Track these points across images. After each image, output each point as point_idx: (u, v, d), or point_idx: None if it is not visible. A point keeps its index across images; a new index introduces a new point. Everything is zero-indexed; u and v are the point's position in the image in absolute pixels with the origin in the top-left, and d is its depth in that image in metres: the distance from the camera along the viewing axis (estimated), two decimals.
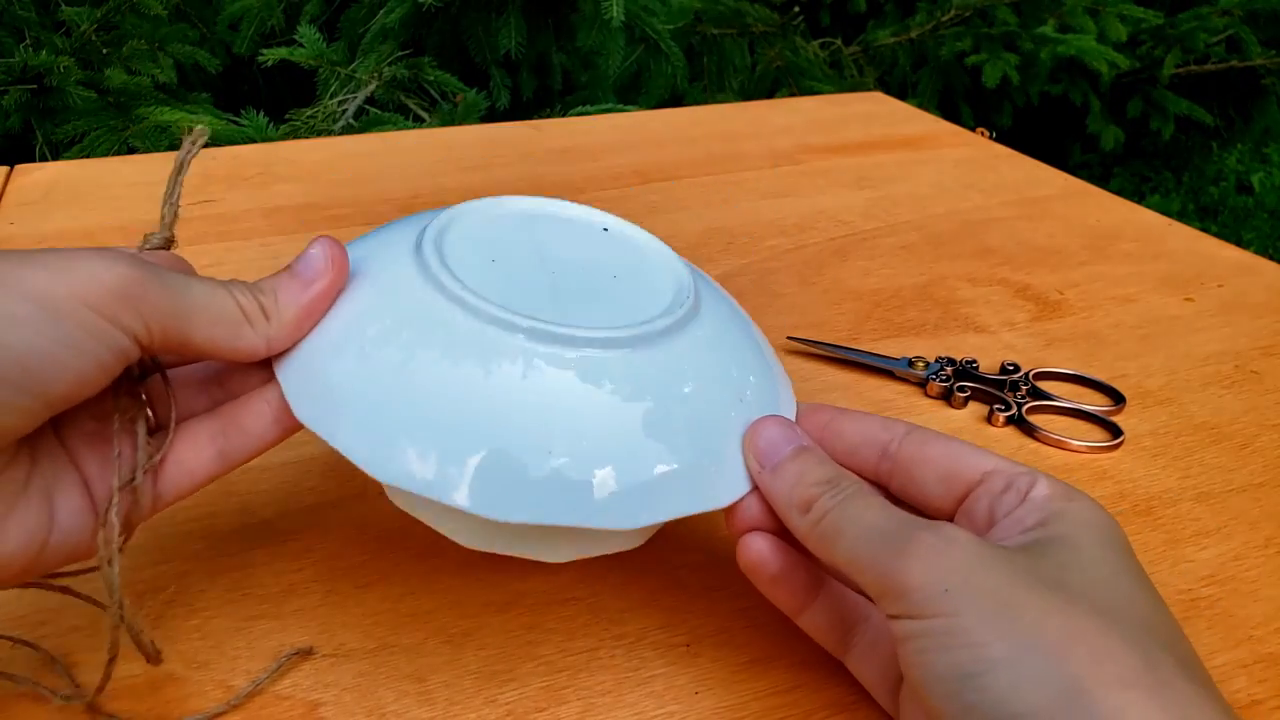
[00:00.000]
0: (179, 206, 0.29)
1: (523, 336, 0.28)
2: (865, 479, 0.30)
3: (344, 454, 0.26)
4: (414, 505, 0.30)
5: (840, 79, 1.87)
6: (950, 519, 0.28)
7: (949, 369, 0.46)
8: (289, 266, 0.29)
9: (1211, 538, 0.37)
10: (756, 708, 0.30)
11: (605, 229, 0.35)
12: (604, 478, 0.27)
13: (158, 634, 0.31)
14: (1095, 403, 0.45)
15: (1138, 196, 2.21)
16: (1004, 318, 0.53)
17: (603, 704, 0.30)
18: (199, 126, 0.30)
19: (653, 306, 0.30)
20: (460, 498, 0.26)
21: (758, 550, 0.28)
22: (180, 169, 0.29)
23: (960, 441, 0.29)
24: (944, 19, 1.94)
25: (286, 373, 0.28)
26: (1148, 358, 0.49)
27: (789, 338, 0.49)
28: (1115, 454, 0.42)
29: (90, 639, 0.30)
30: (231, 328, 0.27)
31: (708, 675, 0.31)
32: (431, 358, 0.27)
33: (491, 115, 1.28)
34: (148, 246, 0.29)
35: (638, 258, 0.34)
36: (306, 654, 0.31)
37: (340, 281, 0.29)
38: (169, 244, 0.29)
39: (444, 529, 0.30)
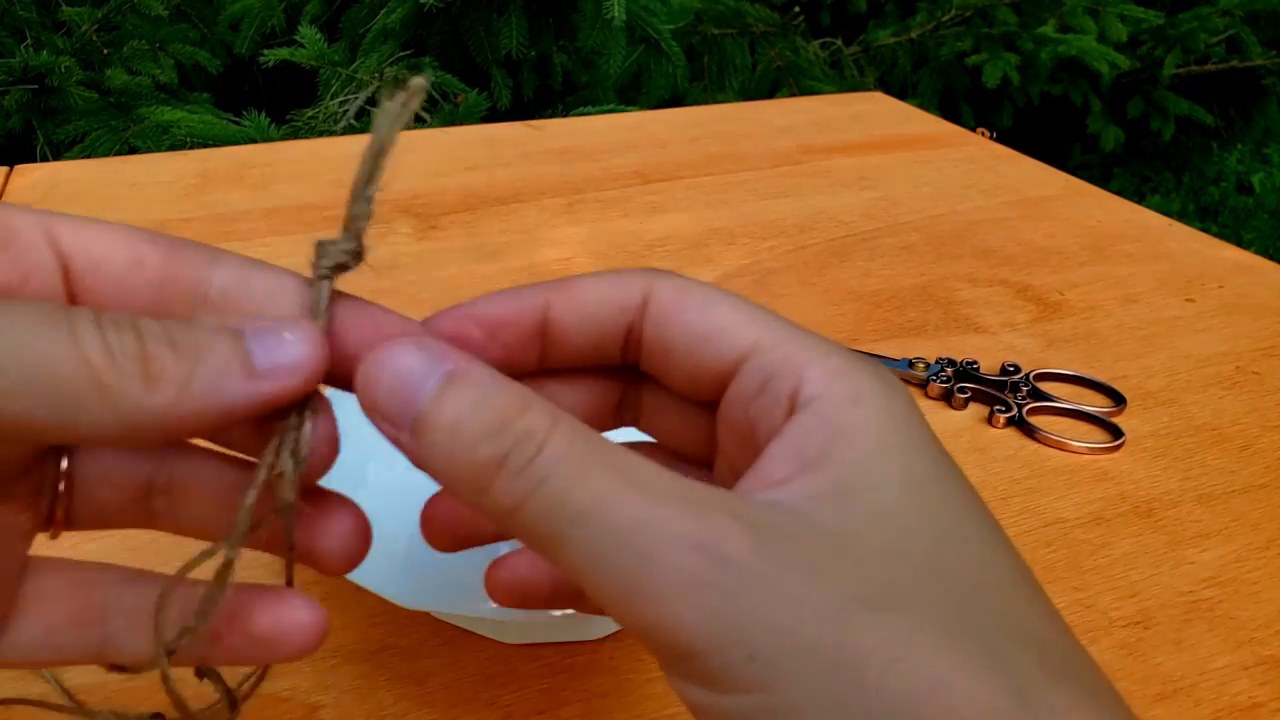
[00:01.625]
0: (373, 201, 0.19)
1: None
2: (608, 366, 0.21)
3: (377, 593, 0.28)
4: (452, 615, 0.31)
5: (840, 79, 1.87)
6: (711, 426, 0.21)
7: (949, 370, 0.46)
8: (238, 331, 0.17)
9: (1213, 539, 0.37)
10: None
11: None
12: None
13: None
14: (1096, 404, 0.45)
15: (1138, 197, 2.21)
16: (1004, 318, 0.53)
17: (603, 706, 0.29)
18: (418, 80, 0.19)
19: None
20: (494, 606, 0.26)
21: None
22: (383, 150, 0.20)
23: (727, 298, 0.20)
24: (944, 19, 1.94)
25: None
26: (1148, 358, 0.49)
27: None
28: (1116, 455, 0.42)
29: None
30: (69, 401, 0.15)
31: None
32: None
33: (493, 115, 1.29)
34: (325, 264, 0.19)
35: None
36: None
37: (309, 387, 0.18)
38: (358, 258, 0.19)
39: (487, 632, 0.31)
